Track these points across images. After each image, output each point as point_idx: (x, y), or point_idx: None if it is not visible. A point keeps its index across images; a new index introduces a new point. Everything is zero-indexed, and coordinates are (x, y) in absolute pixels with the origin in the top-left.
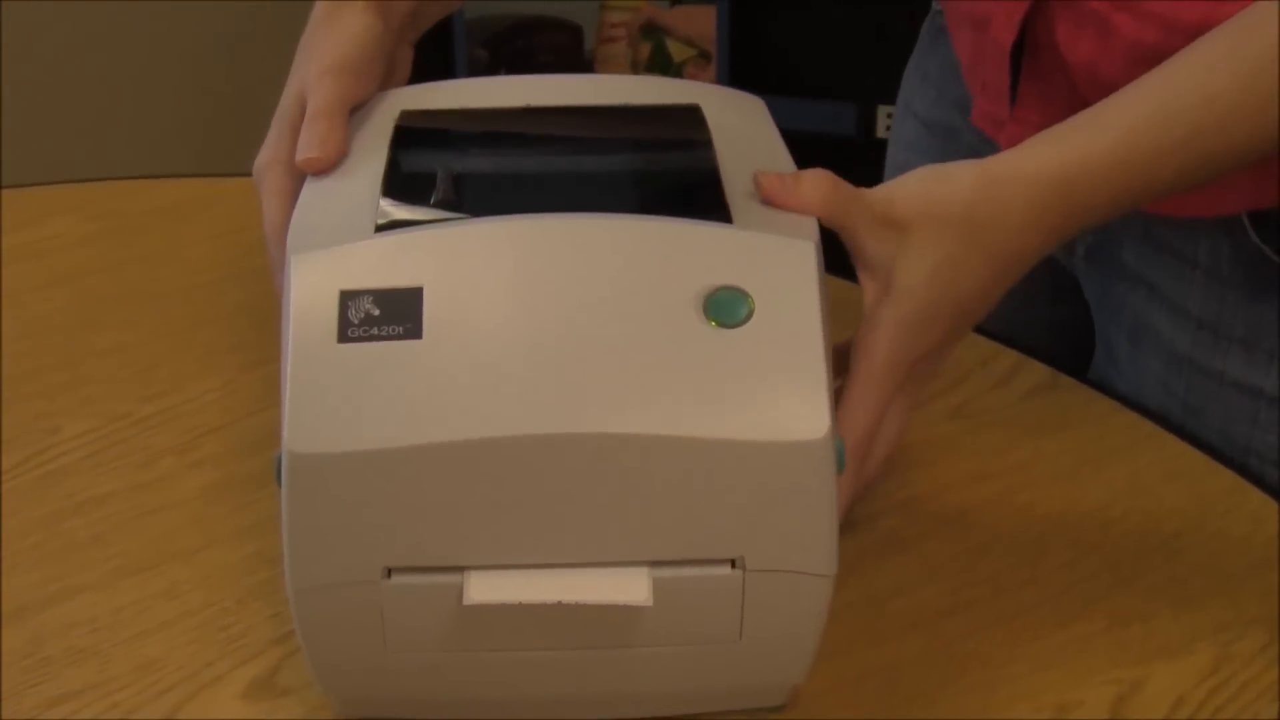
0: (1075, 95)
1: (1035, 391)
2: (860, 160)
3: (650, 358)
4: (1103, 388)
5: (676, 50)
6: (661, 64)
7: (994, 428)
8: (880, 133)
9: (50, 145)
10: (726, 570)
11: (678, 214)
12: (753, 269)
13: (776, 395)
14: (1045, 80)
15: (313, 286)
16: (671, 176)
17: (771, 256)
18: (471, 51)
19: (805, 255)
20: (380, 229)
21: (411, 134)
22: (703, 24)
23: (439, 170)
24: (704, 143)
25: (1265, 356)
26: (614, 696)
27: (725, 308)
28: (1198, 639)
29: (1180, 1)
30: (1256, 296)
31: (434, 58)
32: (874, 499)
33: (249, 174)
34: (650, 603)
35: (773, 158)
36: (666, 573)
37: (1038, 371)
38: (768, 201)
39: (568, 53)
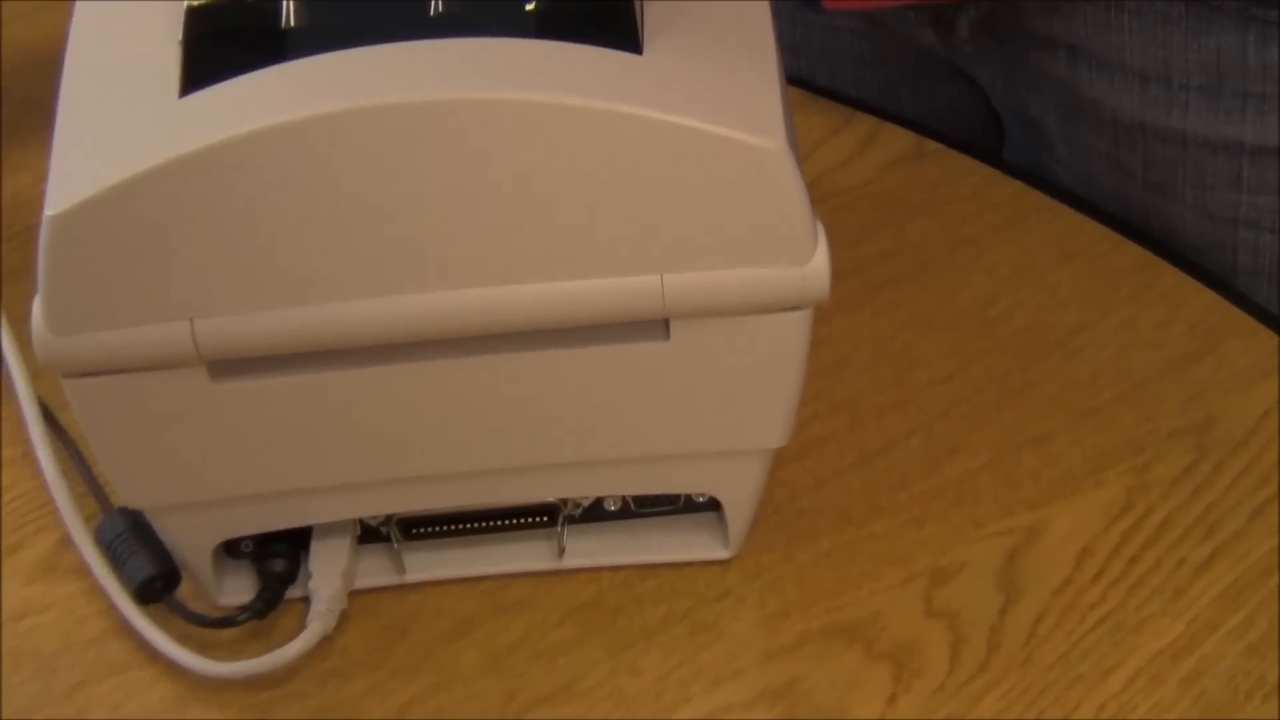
0: None
1: (897, 163)
2: None
3: None
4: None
5: None
6: None
7: (849, 210)
8: None
9: None
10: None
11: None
12: None
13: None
14: None
15: None
16: None
17: None
18: None
19: None
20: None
21: None
22: None
23: None
24: None
25: (1236, 101)
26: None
27: None
28: (1105, 465)
29: None
30: (1206, 27)
31: None
32: None
33: None
34: None
35: None
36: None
37: (900, 139)
38: None
39: None
